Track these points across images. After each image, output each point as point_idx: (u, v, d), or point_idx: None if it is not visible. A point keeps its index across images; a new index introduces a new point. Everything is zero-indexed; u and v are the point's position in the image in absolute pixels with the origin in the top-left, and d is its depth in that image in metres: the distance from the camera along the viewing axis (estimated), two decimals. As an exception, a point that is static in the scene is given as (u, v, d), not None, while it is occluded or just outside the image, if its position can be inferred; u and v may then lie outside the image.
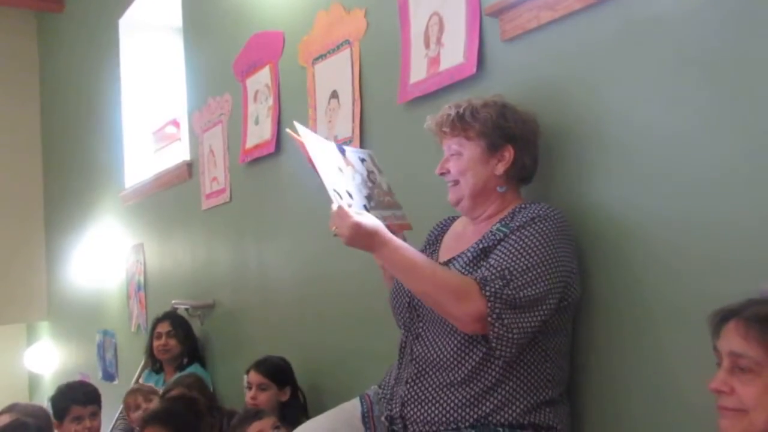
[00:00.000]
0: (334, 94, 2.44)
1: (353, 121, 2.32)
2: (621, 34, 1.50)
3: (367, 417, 1.65)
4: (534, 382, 1.49)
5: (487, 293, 1.41)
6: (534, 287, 1.41)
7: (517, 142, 1.57)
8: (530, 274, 1.42)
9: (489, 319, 1.40)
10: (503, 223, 1.54)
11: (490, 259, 1.47)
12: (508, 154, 1.57)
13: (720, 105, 1.33)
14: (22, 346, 6.41)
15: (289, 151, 2.75)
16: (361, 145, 2.27)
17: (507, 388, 1.48)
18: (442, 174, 1.62)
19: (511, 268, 1.42)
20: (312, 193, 2.59)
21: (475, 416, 1.47)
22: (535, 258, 1.43)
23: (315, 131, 2.54)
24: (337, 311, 2.48)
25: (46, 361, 5.99)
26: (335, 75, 2.43)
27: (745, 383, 1.02)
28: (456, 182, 1.60)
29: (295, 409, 2.49)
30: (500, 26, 1.76)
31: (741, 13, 1.30)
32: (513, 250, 1.45)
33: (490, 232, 1.55)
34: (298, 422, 2.39)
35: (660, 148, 1.43)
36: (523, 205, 1.56)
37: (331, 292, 2.51)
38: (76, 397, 2.69)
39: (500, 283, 1.41)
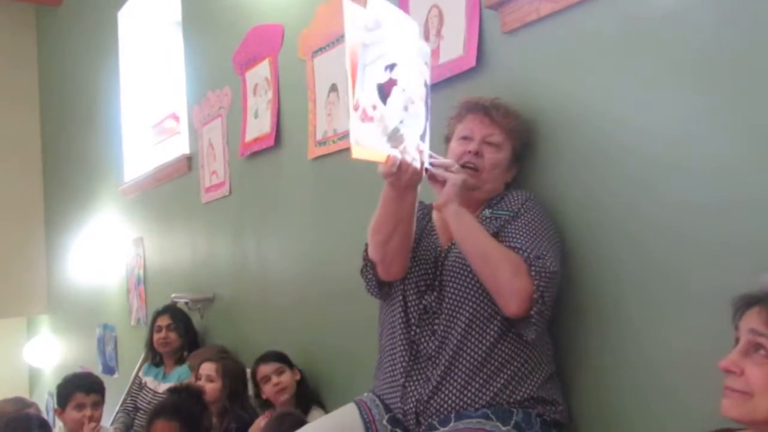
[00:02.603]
0: (334, 88, 2.43)
1: (353, 115, 2.32)
2: (621, 27, 1.50)
3: (368, 422, 1.62)
4: (538, 359, 1.53)
5: (533, 272, 1.42)
6: (557, 263, 1.46)
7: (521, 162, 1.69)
8: (552, 252, 1.47)
9: (535, 296, 1.41)
10: (494, 208, 1.58)
11: (512, 241, 1.48)
12: (515, 170, 1.69)
13: (722, 101, 1.33)
14: (22, 339, 6.42)
15: (288, 144, 2.74)
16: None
17: (517, 366, 1.50)
18: (475, 154, 1.59)
19: (539, 247, 1.46)
20: (311, 186, 2.59)
21: (488, 397, 1.49)
22: (550, 237, 1.50)
23: (314, 125, 2.54)
24: (337, 305, 2.48)
25: (47, 354, 6.00)
26: (335, 68, 2.42)
27: (756, 365, 1.02)
28: (477, 170, 1.60)
29: (308, 388, 2.53)
30: (500, 18, 1.76)
31: (742, 9, 1.29)
32: (531, 231, 1.49)
33: (486, 218, 1.57)
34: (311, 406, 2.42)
35: (661, 143, 1.43)
36: (504, 193, 1.63)
37: (331, 286, 2.51)
38: (81, 384, 2.72)
39: (540, 262, 1.43)
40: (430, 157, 1.49)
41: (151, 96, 4.38)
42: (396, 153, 1.32)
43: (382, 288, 1.67)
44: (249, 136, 2.97)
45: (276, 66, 2.79)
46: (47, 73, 5.96)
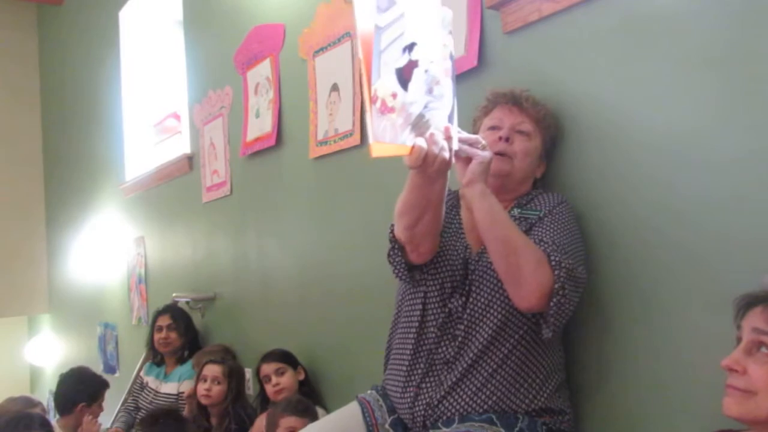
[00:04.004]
0: (335, 87, 2.43)
1: (354, 114, 2.32)
2: (623, 27, 1.50)
3: (371, 425, 1.59)
4: (551, 368, 1.50)
5: (553, 262, 1.36)
6: (579, 262, 1.42)
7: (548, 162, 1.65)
8: (572, 249, 1.43)
9: (556, 286, 1.35)
10: (524, 208, 1.53)
11: (534, 236, 1.44)
12: (544, 167, 1.64)
13: (725, 100, 1.33)
14: (23, 338, 6.42)
15: (289, 143, 2.74)
16: (362, 139, 2.27)
17: (529, 374, 1.47)
18: (506, 140, 1.53)
19: (560, 242, 1.41)
20: (313, 186, 2.59)
21: (493, 402, 1.46)
22: (574, 239, 1.46)
23: (316, 124, 2.54)
24: (338, 304, 2.48)
25: (48, 353, 6.00)
26: (336, 68, 2.42)
27: (759, 363, 1.02)
28: (507, 156, 1.54)
29: (311, 388, 2.53)
30: (502, 18, 1.76)
31: (744, 7, 1.29)
32: (555, 228, 1.45)
33: (514, 218, 1.50)
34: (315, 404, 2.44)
35: (663, 142, 1.43)
36: (535, 193, 1.58)
37: (332, 285, 2.51)
38: None
39: (558, 256, 1.37)
40: None
41: (152, 95, 4.38)
42: (421, 143, 1.20)
43: (412, 271, 1.54)
44: (250, 136, 2.97)
45: (277, 65, 2.79)
46: (49, 72, 5.96)
